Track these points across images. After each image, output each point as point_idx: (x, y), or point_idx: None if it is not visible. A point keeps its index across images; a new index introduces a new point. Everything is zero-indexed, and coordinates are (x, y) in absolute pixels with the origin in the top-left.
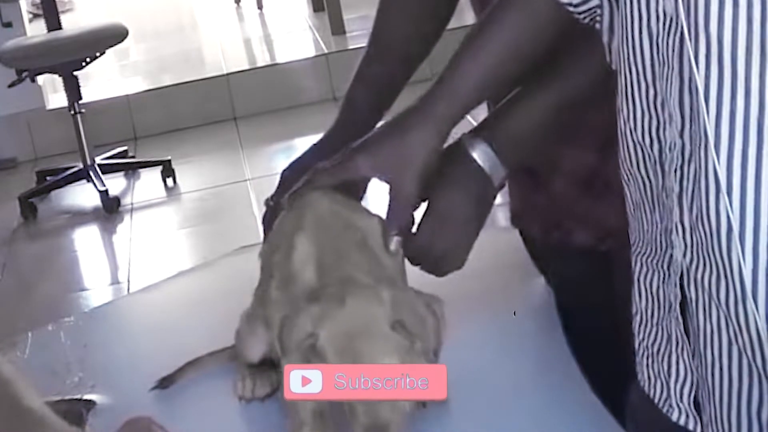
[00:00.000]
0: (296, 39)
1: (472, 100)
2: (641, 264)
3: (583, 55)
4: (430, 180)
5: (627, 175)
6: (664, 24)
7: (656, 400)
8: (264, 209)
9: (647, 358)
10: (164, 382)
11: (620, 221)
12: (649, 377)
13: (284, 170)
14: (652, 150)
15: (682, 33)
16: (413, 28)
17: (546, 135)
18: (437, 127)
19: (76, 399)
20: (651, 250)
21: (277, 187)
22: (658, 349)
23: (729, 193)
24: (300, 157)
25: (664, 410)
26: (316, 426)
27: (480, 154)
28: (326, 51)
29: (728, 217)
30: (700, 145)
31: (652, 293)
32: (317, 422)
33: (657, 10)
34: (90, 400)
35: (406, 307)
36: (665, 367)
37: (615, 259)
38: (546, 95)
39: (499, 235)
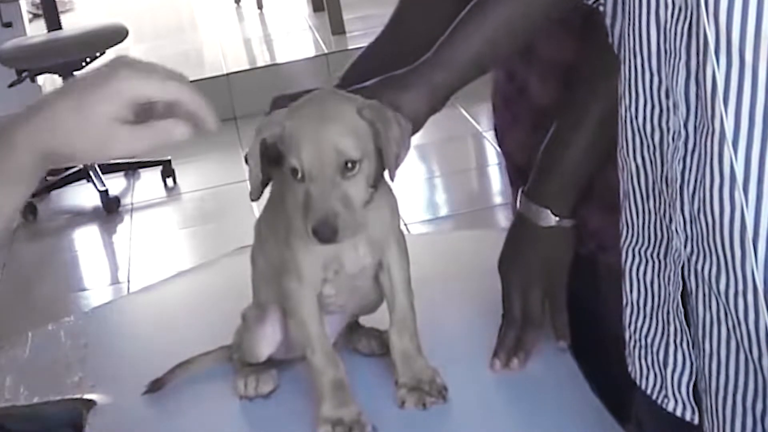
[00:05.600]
0: (296, 39)
1: (468, 73)
2: (633, 255)
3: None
4: None
5: (622, 164)
6: (672, 13)
7: (648, 391)
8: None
9: (639, 350)
10: (154, 385)
11: (601, 223)
12: (640, 368)
13: (276, 97)
14: (652, 139)
15: (690, 22)
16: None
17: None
18: (433, 93)
19: (76, 399)
20: (644, 240)
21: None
22: (652, 341)
23: (732, 184)
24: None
25: (659, 401)
26: (336, 400)
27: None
28: (326, 51)
29: (732, 207)
30: (705, 135)
31: (645, 284)
32: (338, 396)
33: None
34: (90, 400)
35: (376, 109)
36: (660, 358)
37: (599, 262)
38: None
39: (499, 236)
